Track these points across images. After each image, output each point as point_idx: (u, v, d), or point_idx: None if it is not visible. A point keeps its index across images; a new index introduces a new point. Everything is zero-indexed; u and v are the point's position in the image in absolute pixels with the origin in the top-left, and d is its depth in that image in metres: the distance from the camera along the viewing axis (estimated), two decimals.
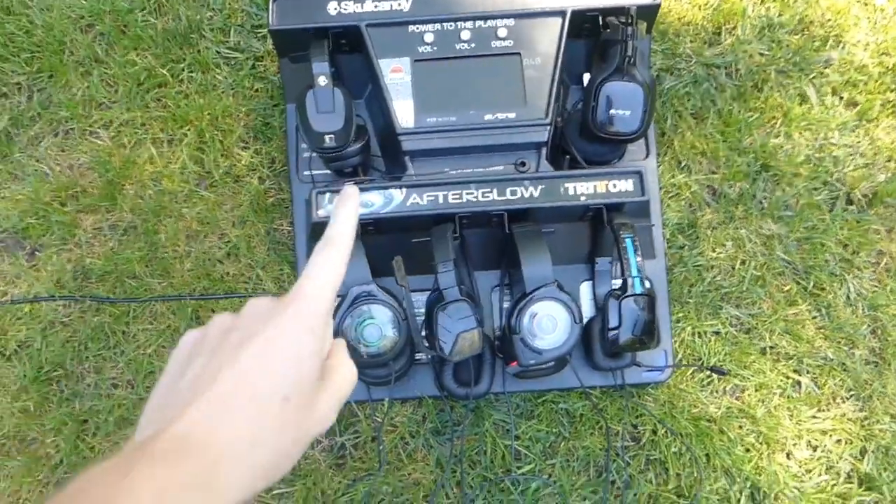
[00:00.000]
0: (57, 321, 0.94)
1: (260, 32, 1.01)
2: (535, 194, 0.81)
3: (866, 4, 1.02)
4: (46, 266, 0.95)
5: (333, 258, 0.40)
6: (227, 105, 0.99)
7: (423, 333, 0.80)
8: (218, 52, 1.01)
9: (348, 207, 0.42)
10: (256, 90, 1.00)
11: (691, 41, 1.00)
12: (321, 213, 0.81)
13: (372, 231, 0.82)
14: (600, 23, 0.85)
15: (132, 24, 1.01)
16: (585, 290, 0.88)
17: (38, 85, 1.01)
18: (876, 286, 0.93)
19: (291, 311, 0.37)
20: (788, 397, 0.89)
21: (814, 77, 0.99)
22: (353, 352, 0.76)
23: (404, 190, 0.81)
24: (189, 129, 0.98)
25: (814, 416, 0.89)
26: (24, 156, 0.99)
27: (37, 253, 0.97)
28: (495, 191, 0.81)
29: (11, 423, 0.92)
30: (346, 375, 0.39)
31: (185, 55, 1.01)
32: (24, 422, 0.92)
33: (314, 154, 0.89)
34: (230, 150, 0.98)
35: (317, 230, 0.84)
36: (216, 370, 0.34)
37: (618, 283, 0.78)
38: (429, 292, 0.83)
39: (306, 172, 0.91)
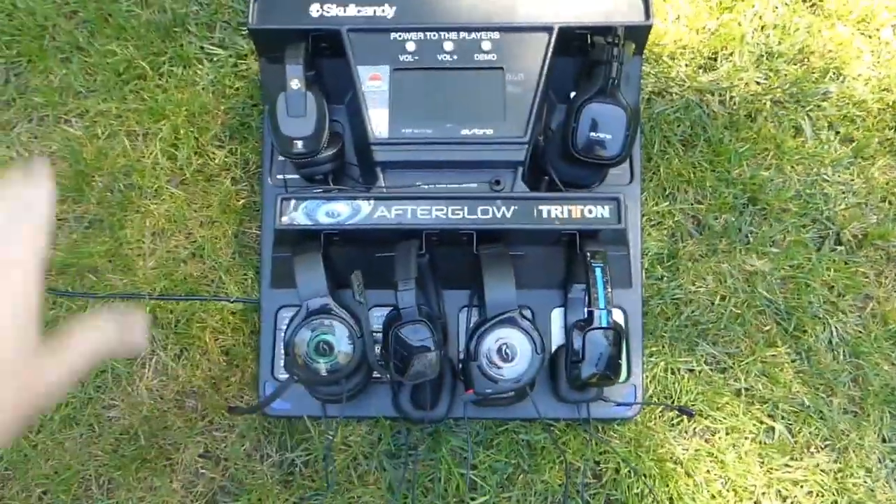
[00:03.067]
0: None
1: (245, 30, 0.98)
2: (507, 215, 0.78)
3: (870, 37, 0.98)
4: None
5: None
6: (205, 102, 0.96)
7: (379, 352, 0.77)
8: (201, 48, 0.98)
9: None
10: (237, 89, 0.97)
11: (686, 65, 0.97)
12: (285, 219, 0.78)
13: (337, 242, 0.79)
14: (588, 41, 0.82)
15: (116, 13, 0.99)
16: (557, 316, 0.85)
17: (16, 69, 0.99)
18: (860, 332, 0.89)
19: None
20: (761, 443, 0.85)
21: (810, 110, 0.95)
22: (306, 367, 0.73)
23: (372, 202, 0.78)
24: (165, 124, 0.95)
25: (786, 465, 0.85)
26: None
27: None
28: (466, 209, 0.78)
29: None
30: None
31: (167, 48, 0.98)
32: None
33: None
34: (205, 148, 0.95)
35: (280, 237, 0.81)
36: None
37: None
38: (389, 309, 0.80)
39: (279, 176, 0.88)
